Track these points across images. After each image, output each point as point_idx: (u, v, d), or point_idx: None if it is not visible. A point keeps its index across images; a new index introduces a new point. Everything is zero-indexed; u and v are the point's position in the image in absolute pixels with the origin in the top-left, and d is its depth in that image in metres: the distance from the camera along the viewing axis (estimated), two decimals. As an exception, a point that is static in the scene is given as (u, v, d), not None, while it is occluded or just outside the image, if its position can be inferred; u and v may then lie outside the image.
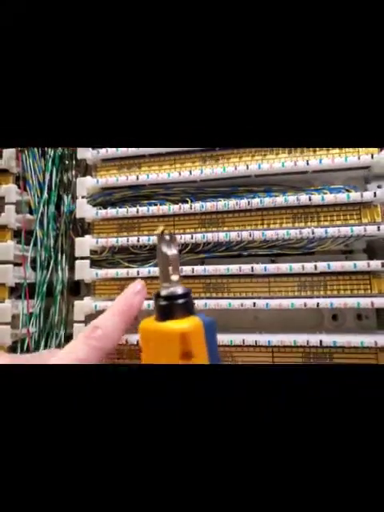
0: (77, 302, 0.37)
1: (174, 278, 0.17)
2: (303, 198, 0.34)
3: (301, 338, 0.33)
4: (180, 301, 0.16)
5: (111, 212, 0.38)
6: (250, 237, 0.34)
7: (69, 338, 0.41)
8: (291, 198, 0.34)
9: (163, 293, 0.17)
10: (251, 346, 0.34)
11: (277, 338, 0.33)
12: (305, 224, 0.35)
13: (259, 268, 0.34)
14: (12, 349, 0.40)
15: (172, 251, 0.17)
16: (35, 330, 0.41)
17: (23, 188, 0.42)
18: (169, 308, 0.16)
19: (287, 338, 0.33)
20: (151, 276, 0.36)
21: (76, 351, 0.24)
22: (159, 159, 0.38)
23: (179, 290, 0.17)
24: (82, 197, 0.38)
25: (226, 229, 0.36)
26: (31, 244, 0.42)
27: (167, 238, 0.19)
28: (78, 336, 0.26)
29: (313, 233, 0.34)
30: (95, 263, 0.39)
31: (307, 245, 0.36)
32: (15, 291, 0.43)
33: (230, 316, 0.38)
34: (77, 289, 0.46)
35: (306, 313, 0.37)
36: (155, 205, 0.37)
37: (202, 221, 0.36)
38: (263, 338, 0.33)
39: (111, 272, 0.37)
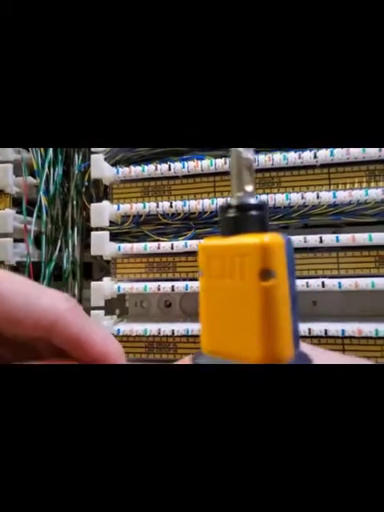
0: (94, 284, 0.30)
1: (249, 187, 0.14)
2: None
3: (384, 328, 0.26)
4: (255, 212, 0.14)
5: (136, 171, 0.30)
6: (318, 199, 0.27)
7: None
8: (370, 151, 0.27)
9: (234, 203, 0.14)
10: (317, 336, 0.27)
11: (352, 327, 0.26)
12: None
13: (329, 239, 0.27)
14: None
15: (248, 154, 0.14)
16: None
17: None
18: (241, 220, 0.14)
19: (367, 327, 0.26)
20: (188, 251, 0.29)
21: None
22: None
23: (253, 200, 0.14)
24: (98, 153, 0.30)
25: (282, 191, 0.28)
26: (34, 215, 0.35)
27: None
28: None
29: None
30: (115, 237, 0.31)
31: None
32: (16, 272, 0.35)
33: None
34: (87, 271, 0.38)
35: (381, 297, 0.30)
36: (192, 160, 0.29)
37: (252, 180, 0.29)
38: (334, 327, 0.26)
39: (138, 246, 0.30)
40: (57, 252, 0.35)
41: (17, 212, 0.34)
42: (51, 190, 0.34)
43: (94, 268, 0.39)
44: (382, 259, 0.27)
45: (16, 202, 0.35)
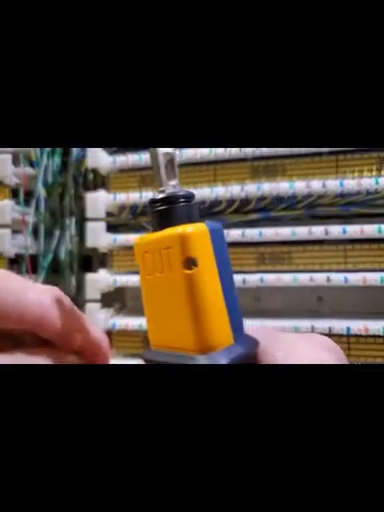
0: (89, 276, 0.29)
1: (173, 181, 0.14)
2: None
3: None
4: (181, 203, 0.14)
5: (133, 159, 0.29)
6: (324, 188, 0.25)
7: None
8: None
9: (160, 197, 0.14)
10: (321, 334, 0.25)
11: (358, 325, 0.25)
12: None
13: (336, 230, 0.25)
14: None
15: (168, 150, 0.15)
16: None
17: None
18: (167, 213, 0.14)
19: (374, 325, 0.24)
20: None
21: None
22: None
23: (179, 192, 0.14)
24: (95, 141, 0.29)
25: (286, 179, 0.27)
26: (33, 206, 0.34)
27: None
28: None
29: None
30: (113, 228, 0.30)
31: (394, 202, 0.26)
32: (15, 265, 0.35)
33: (284, 295, 0.29)
34: (87, 264, 0.37)
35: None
36: (191, 148, 0.28)
37: (254, 168, 0.27)
38: (339, 324, 0.25)
39: (134, 238, 0.29)
40: (55, 244, 0.34)
41: (15, 203, 0.33)
42: (49, 180, 0.33)
43: (94, 261, 0.38)
44: (392, 253, 0.26)
45: (13, 193, 0.34)
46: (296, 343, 0.14)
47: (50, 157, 0.34)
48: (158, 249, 0.14)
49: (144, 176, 0.30)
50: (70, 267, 0.34)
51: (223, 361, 0.12)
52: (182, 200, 0.14)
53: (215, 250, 0.13)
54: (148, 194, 0.28)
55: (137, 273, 0.31)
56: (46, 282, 0.34)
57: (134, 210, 0.30)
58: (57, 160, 0.34)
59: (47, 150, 0.34)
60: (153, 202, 0.14)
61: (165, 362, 0.13)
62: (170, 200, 0.14)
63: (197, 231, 0.13)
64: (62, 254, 0.34)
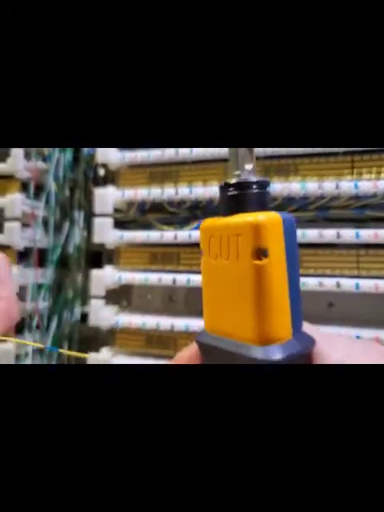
0: (95, 272, 0.29)
1: (248, 166, 0.14)
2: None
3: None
4: (254, 190, 0.14)
5: (142, 155, 0.28)
6: (337, 189, 0.24)
7: (85, 316, 0.33)
8: (400, 135, 0.24)
9: (233, 181, 0.14)
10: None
11: (369, 334, 0.23)
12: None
13: (348, 234, 0.24)
14: (19, 325, 0.33)
15: None
16: (46, 305, 0.34)
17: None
18: (239, 198, 0.14)
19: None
20: (193, 242, 0.27)
21: None
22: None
23: (253, 178, 0.14)
24: (106, 136, 0.29)
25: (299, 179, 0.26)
26: (43, 200, 0.34)
27: None
28: None
29: None
30: (120, 225, 0.30)
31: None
32: (24, 258, 0.35)
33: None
34: (97, 260, 0.37)
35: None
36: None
37: (265, 167, 0.26)
38: (349, 333, 0.24)
39: (141, 235, 0.28)
40: (64, 238, 0.34)
41: (25, 197, 0.33)
42: (61, 174, 0.33)
43: (103, 257, 0.38)
44: (408, 259, 0.24)
45: (23, 187, 0.35)
46: (354, 347, 0.14)
47: (62, 151, 0.34)
48: (227, 234, 0.13)
49: (153, 172, 0.29)
50: (77, 262, 0.34)
51: (278, 356, 0.12)
52: (255, 186, 0.14)
53: (286, 241, 0.13)
54: (156, 191, 0.28)
55: (143, 271, 0.31)
56: (55, 275, 0.35)
57: (142, 207, 0.29)
58: (68, 155, 0.34)
59: (59, 144, 0.34)
60: (225, 185, 0.14)
61: (220, 348, 0.13)
62: (244, 185, 0.13)
63: (270, 221, 0.13)
64: (71, 249, 0.34)
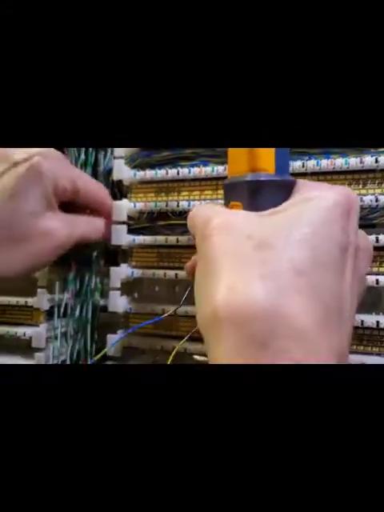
0: (113, 269, 0.36)
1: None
2: (368, 161, 0.30)
3: None
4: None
5: (150, 174, 0.35)
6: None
7: (104, 308, 0.40)
8: (353, 161, 0.30)
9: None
10: (373, 328, 0.29)
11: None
12: (366, 192, 0.31)
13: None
14: (49, 314, 0.40)
15: None
16: (68, 297, 0.41)
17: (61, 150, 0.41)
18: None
19: None
20: (191, 245, 0.34)
21: None
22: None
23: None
24: (120, 157, 0.36)
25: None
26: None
27: None
28: None
29: (376, 200, 0.30)
30: (135, 230, 0.37)
31: (368, 215, 0.31)
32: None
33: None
34: (114, 259, 0.44)
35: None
36: (198, 166, 0.34)
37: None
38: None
39: (148, 239, 0.35)
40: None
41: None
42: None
43: (119, 256, 0.45)
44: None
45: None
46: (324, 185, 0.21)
47: (83, 167, 0.41)
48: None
49: (160, 188, 0.36)
50: (97, 259, 0.41)
51: (263, 177, 0.20)
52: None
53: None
54: (162, 203, 0.35)
55: (151, 267, 0.38)
56: (76, 271, 0.42)
57: (151, 216, 0.36)
58: (89, 170, 0.41)
59: (81, 160, 0.41)
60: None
61: (231, 182, 0.22)
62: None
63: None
64: (92, 248, 0.41)
